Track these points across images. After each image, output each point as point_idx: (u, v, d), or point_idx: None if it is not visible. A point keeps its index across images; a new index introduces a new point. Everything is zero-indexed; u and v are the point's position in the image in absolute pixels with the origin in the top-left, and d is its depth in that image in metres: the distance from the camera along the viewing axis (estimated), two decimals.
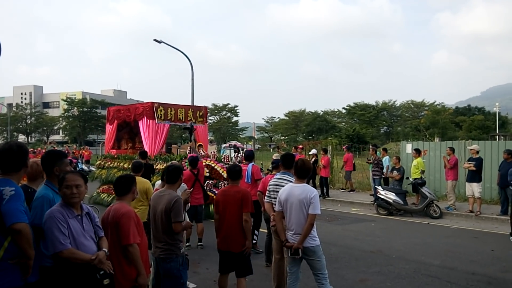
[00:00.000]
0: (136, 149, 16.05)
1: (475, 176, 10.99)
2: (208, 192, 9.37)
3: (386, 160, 13.61)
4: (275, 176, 5.61)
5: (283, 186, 5.01)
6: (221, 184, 11.05)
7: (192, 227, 6.31)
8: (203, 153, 12.22)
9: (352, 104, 67.85)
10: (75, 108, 65.09)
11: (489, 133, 37.55)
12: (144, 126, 13.71)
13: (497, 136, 25.51)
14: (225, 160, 12.16)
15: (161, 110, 13.66)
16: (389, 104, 68.06)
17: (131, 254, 3.53)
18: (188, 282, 5.21)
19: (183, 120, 14.44)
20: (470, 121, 49.24)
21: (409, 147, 14.87)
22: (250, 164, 7.80)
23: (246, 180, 7.54)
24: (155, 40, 23.65)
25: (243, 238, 4.81)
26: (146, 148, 13.00)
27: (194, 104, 15.29)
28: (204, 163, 10.13)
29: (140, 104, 14.93)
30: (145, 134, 13.67)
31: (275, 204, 5.03)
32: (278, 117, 79.04)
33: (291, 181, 5.03)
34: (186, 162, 9.28)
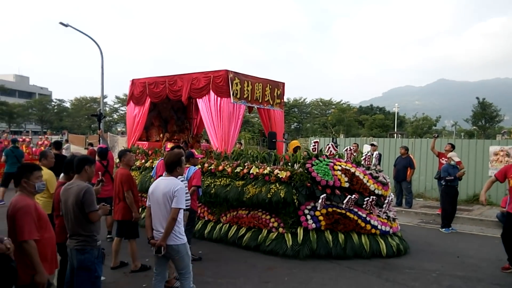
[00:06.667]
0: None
1: None
2: (348, 213, 7.00)
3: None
4: None
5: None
6: (367, 200, 7.22)
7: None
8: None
9: None
10: None
11: (388, 131, 40.50)
12: (210, 107, 9.22)
13: (395, 134, 27.86)
14: (366, 163, 7.76)
15: (236, 84, 9.28)
16: (300, 101, 70.68)
17: (25, 251, 3.38)
18: None
19: (260, 101, 10.22)
20: (372, 120, 52.72)
21: None
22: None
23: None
24: (61, 23, 22.04)
25: (130, 211, 6.06)
26: (216, 142, 9.09)
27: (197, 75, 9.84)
28: (339, 167, 7.19)
29: (200, 73, 9.57)
30: (212, 119, 9.20)
31: None
32: None
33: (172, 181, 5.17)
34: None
